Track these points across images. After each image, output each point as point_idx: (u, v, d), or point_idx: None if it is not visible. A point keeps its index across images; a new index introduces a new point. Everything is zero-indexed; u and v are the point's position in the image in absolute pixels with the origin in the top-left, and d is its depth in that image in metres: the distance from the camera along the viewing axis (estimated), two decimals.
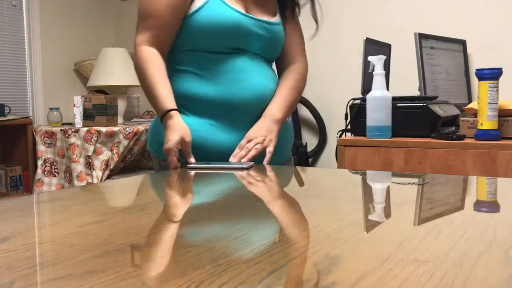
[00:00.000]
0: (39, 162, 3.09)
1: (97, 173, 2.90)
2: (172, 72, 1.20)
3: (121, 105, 3.52)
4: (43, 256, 0.44)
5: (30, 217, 0.62)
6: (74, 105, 3.03)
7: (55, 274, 0.40)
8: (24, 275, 0.39)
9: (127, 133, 2.99)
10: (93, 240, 0.50)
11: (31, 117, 3.35)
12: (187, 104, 1.17)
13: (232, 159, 1.12)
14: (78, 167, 2.94)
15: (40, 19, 3.51)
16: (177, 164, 1.06)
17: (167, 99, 1.12)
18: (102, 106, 3.06)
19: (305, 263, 0.42)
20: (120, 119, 3.48)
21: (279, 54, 1.30)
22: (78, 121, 3.03)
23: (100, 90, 3.48)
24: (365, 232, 0.52)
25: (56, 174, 3.09)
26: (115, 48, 3.47)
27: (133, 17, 4.74)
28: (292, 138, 1.37)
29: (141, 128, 3.07)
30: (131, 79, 3.46)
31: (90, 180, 2.90)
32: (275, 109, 1.20)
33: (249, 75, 1.18)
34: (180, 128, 1.09)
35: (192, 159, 1.08)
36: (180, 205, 0.69)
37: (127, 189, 0.86)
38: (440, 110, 1.72)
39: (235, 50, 1.18)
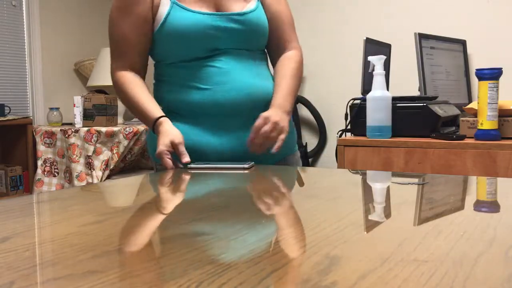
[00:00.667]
0: (39, 162, 3.09)
1: (97, 173, 2.90)
2: (160, 84, 1.23)
3: (121, 105, 3.52)
4: (43, 256, 0.44)
5: (30, 217, 0.62)
6: (74, 105, 3.03)
7: (55, 274, 0.40)
8: (24, 275, 0.39)
9: (127, 133, 2.99)
10: (93, 240, 0.50)
11: (31, 117, 3.35)
12: (177, 111, 1.19)
13: (252, 142, 1.11)
14: (78, 167, 2.94)
15: (40, 19, 3.51)
16: (172, 166, 1.06)
17: (154, 109, 1.14)
18: (102, 106, 3.06)
19: (305, 263, 0.42)
20: (120, 119, 3.48)
21: (267, 40, 1.26)
22: (78, 121, 3.02)
23: (100, 90, 3.48)
24: (365, 232, 0.52)
25: (56, 174, 3.09)
26: None
27: None
28: (295, 131, 1.34)
29: (141, 128, 3.07)
30: None
31: (90, 180, 2.90)
32: (282, 99, 1.17)
33: (233, 75, 1.16)
34: (170, 132, 1.10)
35: (186, 159, 1.07)
36: (180, 205, 0.69)
37: (127, 189, 0.86)
38: (440, 110, 1.72)
39: (214, 52, 1.16)
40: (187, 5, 1.15)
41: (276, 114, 1.13)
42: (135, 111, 1.18)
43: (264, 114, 1.13)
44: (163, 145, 1.07)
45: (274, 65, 1.29)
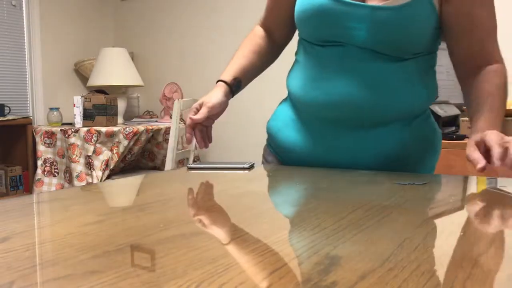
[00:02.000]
0: (39, 162, 3.09)
1: (97, 173, 2.90)
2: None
3: (121, 105, 3.52)
4: (43, 256, 0.44)
5: (30, 217, 0.62)
6: (74, 105, 3.03)
7: (55, 274, 0.40)
8: (24, 275, 0.39)
9: (127, 133, 2.99)
10: (93, 240, 0.49)
11: (31, 117, 3.35)
12: (288, 91, 1.14)
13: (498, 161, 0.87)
14: (78, 167, 2.94)
15: (40, 19, 3.51)
16: (190, 142, 1.09)
17: (228, 71, 1.15)
18: (102, 106, 3.06)
19: (305, 263, 0.42)
20: (120, 119, 3.48)
21: (416, 46, 1.01)
22: (78, 121, 3.03)
23: (100, 90, 3.48)
24: (365, 232, 0.52)
25: (56, 174, 3.09)
26: (115, 48, 3.47)
27: (133, 17, 4.68)
28: (435, 151, 1.11)
29: (141, 128, 3.07)
30: (131, 79, 3.46)
31: (90, 180, 2.90)
32: (485, 123, 0.92)
33: (331, 75, 0.99)
34: (209, 95, 1.10)
35: (193, 116, 1.07)
36: (179, 205, 0.69)
37: (127, 189, 0.86)
38: (441, 110, 1.72)
39: (330, 43, 0.99)
40: None
41: (494, 133, 0.89)
42: None
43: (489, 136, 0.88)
44: (196, 113, 1.07)
45: (464, 79, 1.08)
